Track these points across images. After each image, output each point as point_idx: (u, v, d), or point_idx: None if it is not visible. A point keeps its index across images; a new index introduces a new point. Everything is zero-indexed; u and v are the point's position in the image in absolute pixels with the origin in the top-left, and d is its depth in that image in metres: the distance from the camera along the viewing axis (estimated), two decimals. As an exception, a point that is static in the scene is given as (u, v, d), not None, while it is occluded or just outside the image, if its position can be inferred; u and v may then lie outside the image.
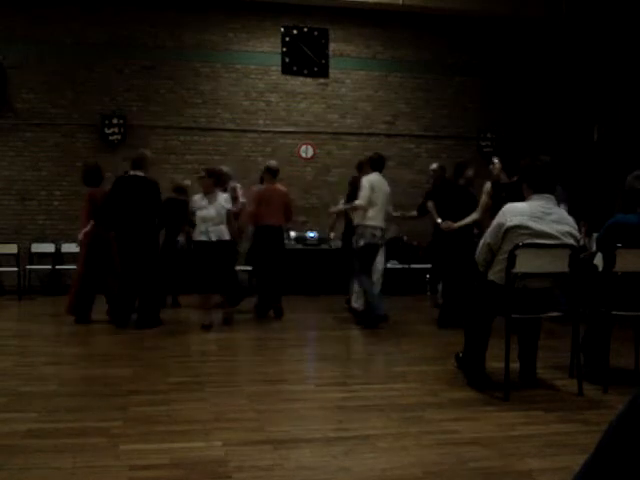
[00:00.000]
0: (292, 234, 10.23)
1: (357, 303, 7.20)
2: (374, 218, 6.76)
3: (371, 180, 6.81)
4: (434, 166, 8.31)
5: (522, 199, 4.08)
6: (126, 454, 2.85)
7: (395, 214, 7.38)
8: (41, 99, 10.40)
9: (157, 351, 5.56)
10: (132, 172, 6.90)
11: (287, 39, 11.14)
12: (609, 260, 4.14)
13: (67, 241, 9.89)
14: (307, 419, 3.49)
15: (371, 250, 6.83)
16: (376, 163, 6.98)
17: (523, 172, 4.17)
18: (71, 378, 4.41)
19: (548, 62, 11.72)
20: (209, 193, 6.72)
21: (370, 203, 6.71)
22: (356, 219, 6.97)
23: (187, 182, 8.81)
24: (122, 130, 10.54)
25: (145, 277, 6.73)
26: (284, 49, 11.14)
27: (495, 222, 4.06)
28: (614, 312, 4.13)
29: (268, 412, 3.55)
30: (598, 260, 4.44)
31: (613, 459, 1.08)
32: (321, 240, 10.24)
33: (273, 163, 7.77)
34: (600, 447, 1.12)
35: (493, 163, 6.78)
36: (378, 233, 6.82)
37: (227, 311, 7.00)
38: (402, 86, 11.57)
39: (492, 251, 4.05)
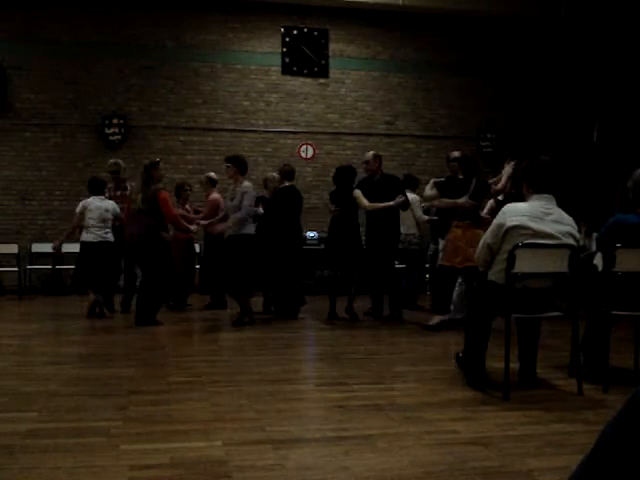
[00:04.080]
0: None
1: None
2: None
3: None
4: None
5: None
6: (126, 454, 2.85)
7: None
8: (41, 99, 10.41)
9: (157, 351, 5.57)
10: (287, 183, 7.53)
11: (287, 39, 11.15)
12: (609, 260, 4.14)
13: (67, 241, 9.90)
14: (307, 419, 3.49)
15: None
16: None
17: (523, 172, 4.18)
18: (71, 378, 4.41)
19: (548, 62, 11.73)
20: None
21: None
22: None
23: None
24: (122, 130, 10.54)
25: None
26: (284, 49, 11.15)
27: (495, 222, 4.06)
28: (614, 312, 4.13)
29: (268, 412, 3.55)
30: (598, 260, 4.44)
31: (611, 458, 1.08)
32: (321, 240, 10.22)
33: (212, 174, 8.55)
34: (597, 446, 1.12)
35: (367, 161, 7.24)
36: None
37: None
38: (402, 86, 11.57)
39: (492, 251, 4.06)
